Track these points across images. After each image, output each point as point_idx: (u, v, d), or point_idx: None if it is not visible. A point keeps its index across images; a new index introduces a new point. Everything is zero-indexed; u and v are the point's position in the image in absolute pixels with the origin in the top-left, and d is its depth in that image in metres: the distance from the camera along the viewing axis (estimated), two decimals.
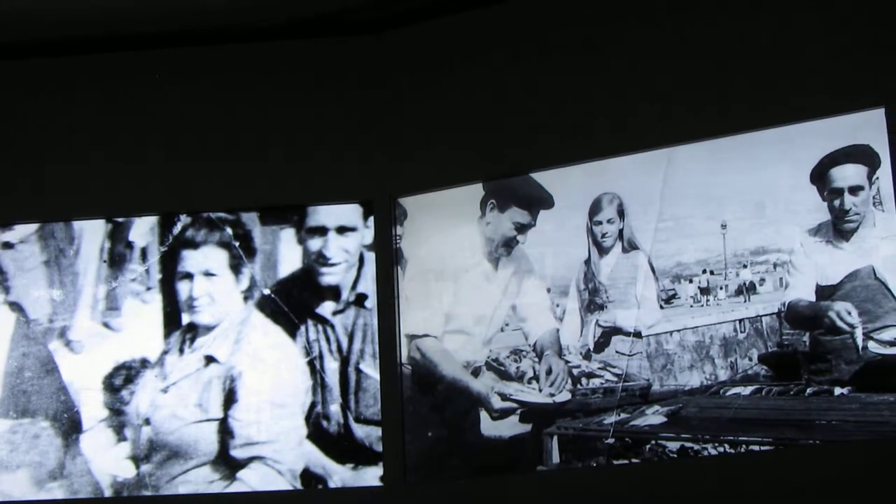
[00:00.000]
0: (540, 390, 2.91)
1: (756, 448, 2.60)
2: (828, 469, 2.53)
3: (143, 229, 3.29)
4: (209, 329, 3.20)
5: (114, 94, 3.39)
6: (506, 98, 3.14)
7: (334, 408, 3.11)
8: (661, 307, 2.84)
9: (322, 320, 3.17)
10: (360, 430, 3.06)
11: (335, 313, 3.18)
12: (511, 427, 2.92)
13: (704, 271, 2.80)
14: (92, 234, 3.30)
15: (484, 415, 2.97)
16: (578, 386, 2.88)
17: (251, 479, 3.06)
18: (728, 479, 2.62)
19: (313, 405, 3.11)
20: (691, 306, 2.80)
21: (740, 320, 2.74)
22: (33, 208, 3.35)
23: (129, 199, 3.33)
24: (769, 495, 2.57)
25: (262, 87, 3.36)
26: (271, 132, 3.33)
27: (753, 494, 2.59)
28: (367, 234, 3.22)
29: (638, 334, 2.84)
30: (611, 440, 2.78)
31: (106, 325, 3.25)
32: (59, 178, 3.34)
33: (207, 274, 3.24)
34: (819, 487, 2.50)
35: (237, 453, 3.08)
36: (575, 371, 2.90)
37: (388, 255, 3.19)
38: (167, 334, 3.21)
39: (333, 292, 3.20)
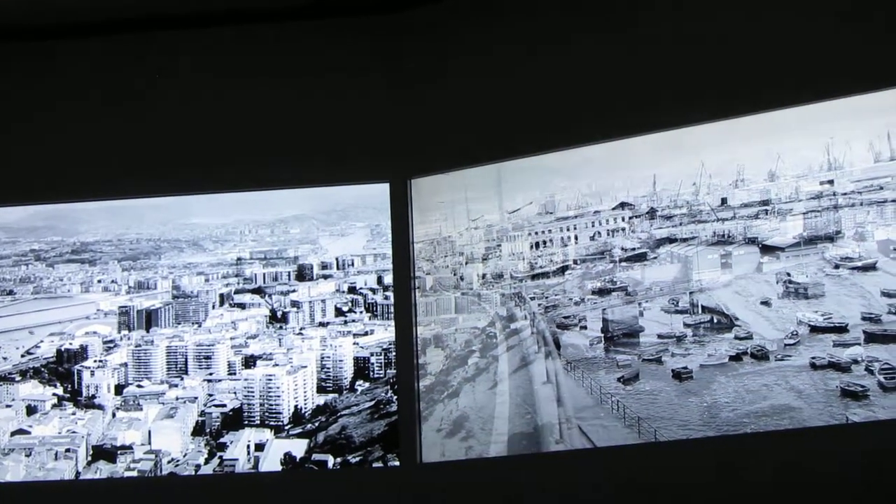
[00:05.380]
0: None
1: None
2: None
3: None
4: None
5: (129, 76, 3.38)
6: (518, 81, 3.17)
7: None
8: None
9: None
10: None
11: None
12: None
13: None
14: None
15: None
16: None
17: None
18: None
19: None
20: None
21: None
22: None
23: (147, 181, 3.35)
24: None
25: (282, 70, 3.34)
26: (289, 117, 3.33)
27: None
28: None
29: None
30: None
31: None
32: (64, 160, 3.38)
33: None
34: None
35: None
36: None
37: (403, 238, 3.28)
38: None
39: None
